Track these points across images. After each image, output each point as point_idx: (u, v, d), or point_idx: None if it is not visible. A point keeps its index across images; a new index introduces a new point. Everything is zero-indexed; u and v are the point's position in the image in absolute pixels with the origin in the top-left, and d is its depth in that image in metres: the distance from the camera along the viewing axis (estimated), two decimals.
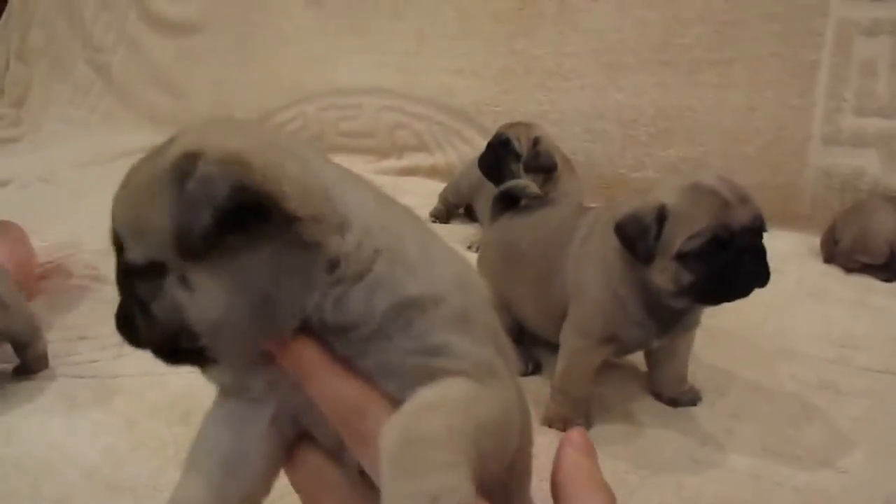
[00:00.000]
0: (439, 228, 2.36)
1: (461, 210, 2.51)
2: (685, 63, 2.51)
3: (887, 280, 1.95)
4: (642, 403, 1.42)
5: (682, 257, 1.15)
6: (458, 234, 2.35)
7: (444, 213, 2.51)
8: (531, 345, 1.55)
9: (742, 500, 1.13)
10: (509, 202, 1.60)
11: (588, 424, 1.33)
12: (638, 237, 1.17)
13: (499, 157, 2.15)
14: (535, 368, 1.53)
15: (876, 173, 2.23)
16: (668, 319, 1.26)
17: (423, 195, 2.64)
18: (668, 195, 1.17)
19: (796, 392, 1.44)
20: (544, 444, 1.25)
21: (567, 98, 2.73)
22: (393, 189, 2.86)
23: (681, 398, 1.41)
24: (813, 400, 1.41)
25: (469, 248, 2.20)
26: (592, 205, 1.68)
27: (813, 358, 1.56)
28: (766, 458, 1.23)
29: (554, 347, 1.39)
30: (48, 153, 3.52)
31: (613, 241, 1.23)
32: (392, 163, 3.08)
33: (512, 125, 2.21)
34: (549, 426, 1.33)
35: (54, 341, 1.60)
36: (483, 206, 2.38)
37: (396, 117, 3.08)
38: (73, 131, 3.70)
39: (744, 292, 1.19)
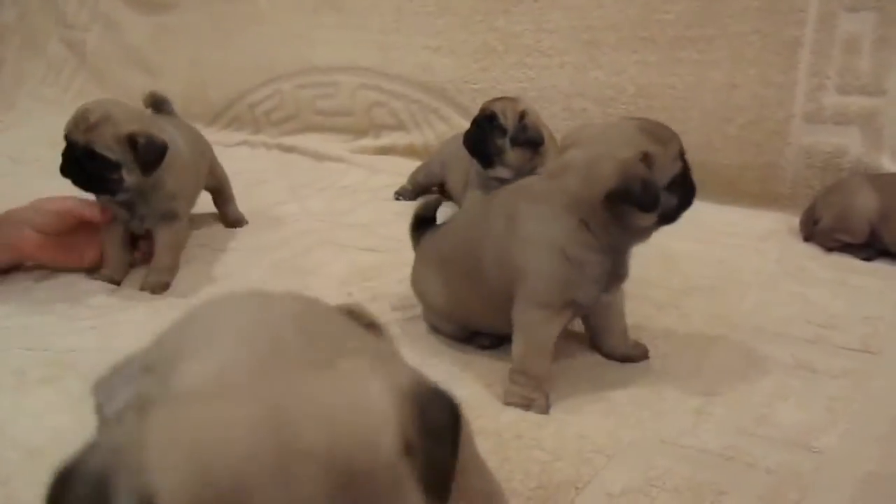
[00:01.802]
0: (405, 206, 2.32)
1: (434, 190, 2.46)
2: (666, 40, 2.46)
3: (867, 259, 1.92)
4: (608, 380, 1.37)
5: (670, 186, 1.24)
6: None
7: (411, 193, 2.46)
8: None
9: (712, 481, 1.09)
10: (425, 223, 1.57)
11: (548, 404, 1.29)
12: (644, 190, 1.20)
13: (485, 132, 2.10)
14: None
15: (858, 152, 2.19)
16: (615, 270, 1.31)
17: (399, 174, 2.59)
18: (627, 145, 1.22)
19: (771, 371, 1.40)
20: (507, 422, 1.23)
21: (546, 76, 2.68)
22: (369, 168, 2.81)
23: (633, 353, 1.43)
24: (788, 379, 1.37)
25: None
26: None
27: (790, 337, 1.52)
28: (738, 439, 1.19)
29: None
30: (20, 132, 3.44)
31: (554, 215, 1.26)
32: (369, 142, 3.02)
33: (497, 99, 2.15)
34: (512, 405, 1.29)
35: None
36: (455, 185, 2.33)
37: (374, 95, 3.02)
38: (47, 110, 3.60)
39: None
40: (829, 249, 1.97)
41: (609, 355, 1.44)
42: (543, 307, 1.29)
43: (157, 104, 2.07)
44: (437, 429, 0.48)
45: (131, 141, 1.65)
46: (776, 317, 1.61)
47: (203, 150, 2.12)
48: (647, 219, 1.25)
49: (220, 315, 0.62)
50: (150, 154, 1.68)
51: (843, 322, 1.58)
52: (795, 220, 2.13)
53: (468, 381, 1.37)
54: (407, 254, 1.59)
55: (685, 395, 1.32)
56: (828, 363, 1.42)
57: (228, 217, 2.22)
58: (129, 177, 1.68)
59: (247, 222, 2.23)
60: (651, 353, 1.44)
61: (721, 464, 1.13)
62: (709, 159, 2.31)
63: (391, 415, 0.46)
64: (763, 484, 1.09)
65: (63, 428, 1.21)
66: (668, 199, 1.24)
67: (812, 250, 1.99)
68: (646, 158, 1.20)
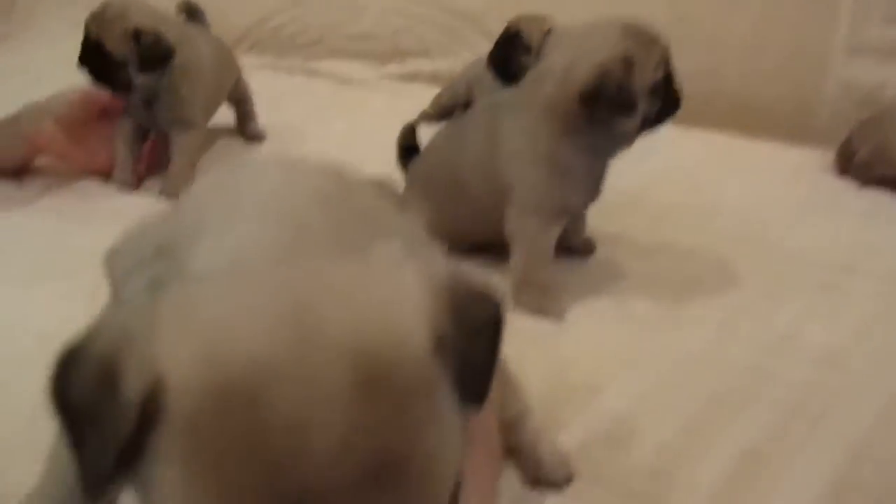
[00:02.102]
0: (428, 129, 2.27)
1: (458, 112, 2.40)
2: None
3: None
4: (629, 294, 1.34)
5: (654, 90, 1.22)
6: None
7: (433, 117, 2.40)
8: None
9: (735, 390, 1.06)
10: (410, 152, 1.58)
11: (563, 308, 1.28)
12: (619, 92, 1.18)
13: (509, 50, 2.04)
14: None
15: None
16: (599, 176, 1.31)
17: (422, 101, 2.53)
18: (606, 48, 1.20)
19: (799, 293, 1.36)
20: (519, 328, 1.20)
21: (577, 4, 2.58)
22: (393, 95, 2.76)
23: (583, 247, 1.47)
24: (816, 302, 1.33)
25: None
26: None
27: (819, 263, 1.47)
28: (763, 354, 1.16)
29: None
30: (39, 52, 3.41)
31: (535, 124, 1.26)
32: (394, 68, 2.96)
33: (523, 17, 2.09)
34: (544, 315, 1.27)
35: None
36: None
37: (399, 20, 2.95)
38: (66, 32, 3.56)
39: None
40: (865, 183, 1.91)
41: (568, 249, 1.43)
42: (539, 214, 1.28)
43: (190, 12, 2.03)
44: (475, 326, 0.44)
45: (136, 36, 1.63)
46: (805, 244, 1.56)
47: (229, 65, 2.09)
48: (627, 123, 1.22)
49: (240, 188, 0.58)
50: (151, 52, 1.65)
51: (876, 251, 1.53)
52: (831, 156, 2.05)
53: None
54: None
55: (709, 311, 1.28)
56: (858, 287, 1.38)
57: (248, 132, 2.18)
58: (138, 76, 1.66)
59: (265, 138, 2.19)
60: (676, 273, 1.41)
61: (743, 375, 1.10)
62: (742, 92, 2.24)
63: (425, 308, 0.42)
64: (787, 397, 1.06)
65: (78, 316, 1.20)
66: (649, 104, 1.22)
67: (846, 184, 1.92)
68: (625, 61, 1.18)
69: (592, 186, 1.30)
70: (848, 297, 1.35)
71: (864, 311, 1.30)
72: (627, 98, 1.18)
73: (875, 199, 1.82)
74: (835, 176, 1.98)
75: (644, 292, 1.34)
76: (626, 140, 1.28)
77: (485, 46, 2.74)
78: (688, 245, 1.52)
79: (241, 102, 2.18)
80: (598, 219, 1.46)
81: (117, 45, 1.63)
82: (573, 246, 1.45)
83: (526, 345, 1.14)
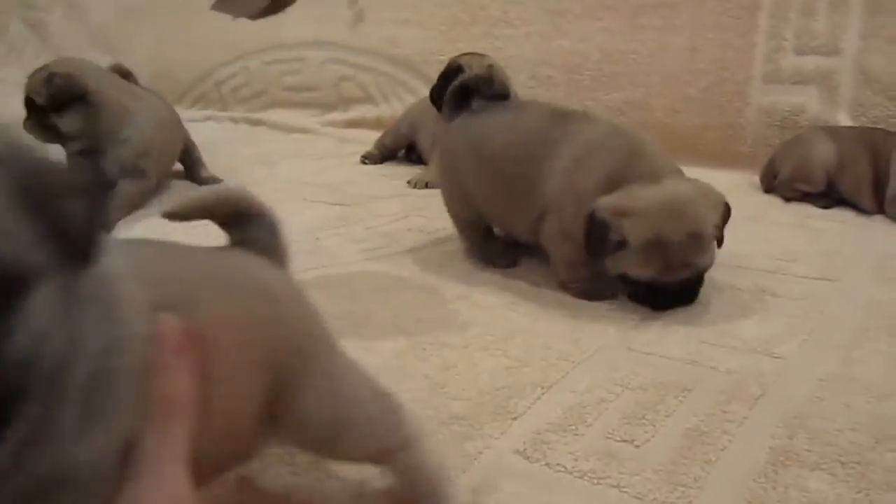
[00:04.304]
0: (373, 169, 2.34)
1: (400, 153, 2.47)
2: (629, 7, 2.51)
3: (826, 207, 1.96)
4: (573, 302, 1.40)
5: (623, 279, 1.33)
6: (398, 173, 2.32)
7: (377, 157, 2.47)
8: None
9: (676, 381, 1.11)
10: (465, 97, 1.60)
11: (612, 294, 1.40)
12: (597, 240, 1.30)
13: (449, 85, 2.11)
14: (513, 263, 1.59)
15: (815, 110, 2.25)
16: None
17: (368, 144, 2.59)
18: (636, 229, 1.27)
19: (733, 296, 1.43)
20: (473, 335, 1.24)
21: (513, 45, 2.71)
22: (338, 138, 2.82)
23: None
24: (750, 302, 1.40)
25: (408, 183, 2.16)
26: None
27: (751, 269, 1.55)
28: (701, 347, 1.22)
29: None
30: None
31: (585, 172, 1.36)
32: (337, 115, 3.03)
33: (464, 54, 2.18)
34: (590, 300, 1.40)
35: None
36: (424, 143, 2.35)
37: (341, 69, 3.03)
38: (6, 90, 3.56)
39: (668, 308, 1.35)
40: (789, 200, 2.02)
41: None
42: (570, 241, 1.38)
43: (123, 76, 2.07)
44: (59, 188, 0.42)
45: (49, 79, 1.67)
46: (737, 252, 1.63)
47: (178, 121, 2.15)
48: (607, 265, 1.35)
49: None
50: (59, 91, 1.68)
51: (802, 256, 1.62)
52: (756, 178, 2.17)
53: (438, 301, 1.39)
54: (375, 207, 1.59)
55: (651, 314, 1.34)
56: (788, 289, 1.46)
57: (200, 177, 2.20)
58: (62, 122, 1.69)
59: (221, 180, 2.21)
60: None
61: (684, 367, 1.15)
62: (671, 121, 2.36)
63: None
64: (725, 382, 1.11)
65: None
66: (623, 282, 1.36)
67: (772, 200, 2.03)
68: (622, 241, 1.28)
69: None
70: (779, 297, 1.43)
71: (793, 308, 1.37)
72: (595, 250, 1.33)
73: (800, 212, 1.93)
74: (761, 194, 2.09)
75: (588, 303, 1.41)
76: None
77: (425, 92, 2.82)
78: None
79: (189, 152, 2.20)
80: None
81: (37, 94, 1.68)
82: None
83: (476, 352, 1.19)
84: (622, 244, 1.27)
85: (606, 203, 1.29)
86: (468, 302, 1.40)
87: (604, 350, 1.20)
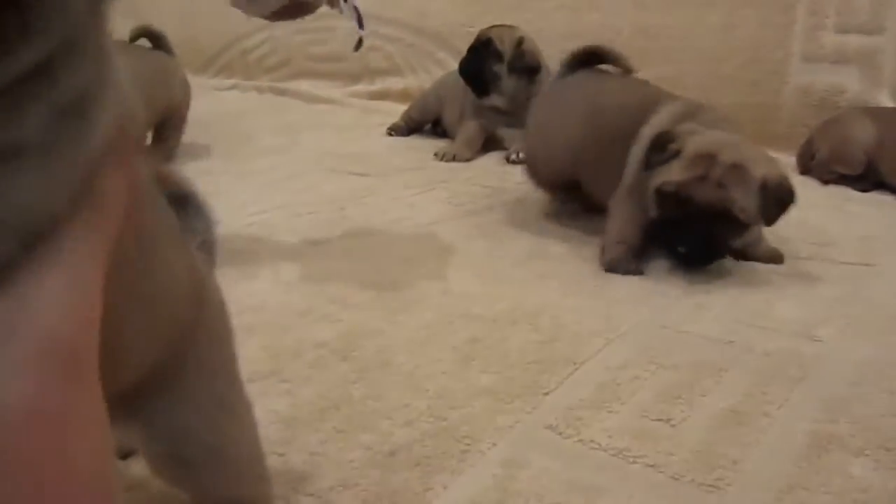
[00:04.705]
0: (398, 141, 2.31)
1: (427, 127, 2.43)
2: None
3: (864, 190, 1.91)
4: (605, 279, 1.37)
5: (659, 193, 1.34)
6: (424, 145, 2.28)
7: (404, 129, 2.43)
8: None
9: (712, 360, 1.08)
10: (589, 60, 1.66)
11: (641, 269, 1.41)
12: (656, 149, 1.35)
13: (481, 58, 2.07)
14: None
15: (856, 90, 2.18)
16: None
17: (393, 116, 2.56)
18: (695, 142, 1.32)
19: (770, 278, 1.39)
20: (502, 309, 1.21)
21: (543, 18, 2.65)
22: (363, 109, 2.79)
23: (774, 255, 1.50)
24: (788, 285, 1.37)
25: (435, 155, 2.13)
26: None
27: (788, 254, 1.50)
28: (737, 328, 1.18)
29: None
30: None
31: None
32: (363, 87, 3.00)
33: (494, 27, 2.13)
34: (612, 271, 1.40)
35: None
36: (451, 118, 2.31)
37: (369, 40, 2.98)
38: None
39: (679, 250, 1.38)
40: (826, 182, 1.97)
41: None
42: (635, 201, 1.42)
43: (152, 38, 2.06)
44: None
45: None
46: (774, 236, 1.59)
47: (163, 81, 2.04)
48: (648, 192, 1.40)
49: None
50: None
51: (840, 241, 1.57)
52: (792, 160, 2.11)
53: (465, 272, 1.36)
54: (401, 179, 1.56)
55: (685, 293, 1.31)
56: (825, 272, 1.42)
57: (165, 149, 2.08)
58: None
59: (174, 158, 2.09)
60: (653, 264, 1.44)
61: (720, 347, 1.12)
62: (704, 99, 2.29)
63: None
64: (763, 364, 1.07)
65: None
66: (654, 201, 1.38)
67: (809, 182, 1.98)
68: (677, 151, 1.34)
69: None
70: (816, 279, 1.39)
71: (831, 291, 1.33)
72: (651, 161, 1.38)
73: (837, 195, 1.88)
74: (797, 175, 2.03)
75: (620, 278, 1.38)
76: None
77: (453, 64, 2.79)
78: None
79: (168, 120, 2.09)
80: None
81: None
82: (758, 257, 1.48)
83: (506, 326, 1.16)
84: (676, 154, 1.32)
85: (680, 127, 1.38)
86: (495, 275, 1.37)
87: (637, 327, 1.17)
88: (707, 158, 1.30)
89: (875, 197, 1.88)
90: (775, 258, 1.47)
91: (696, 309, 1.25)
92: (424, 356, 1.07)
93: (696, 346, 1.12)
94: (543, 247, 1.51)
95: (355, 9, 1.41)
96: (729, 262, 1.44)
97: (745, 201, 1.29)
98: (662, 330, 1.17)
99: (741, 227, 1.33)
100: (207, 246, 0.70)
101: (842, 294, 1.32)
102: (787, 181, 1.34)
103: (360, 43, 1.56)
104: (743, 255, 1.46)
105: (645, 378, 1.02)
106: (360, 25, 1.47)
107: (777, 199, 1.32)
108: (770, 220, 1.34)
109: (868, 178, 1.92)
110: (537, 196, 1.75)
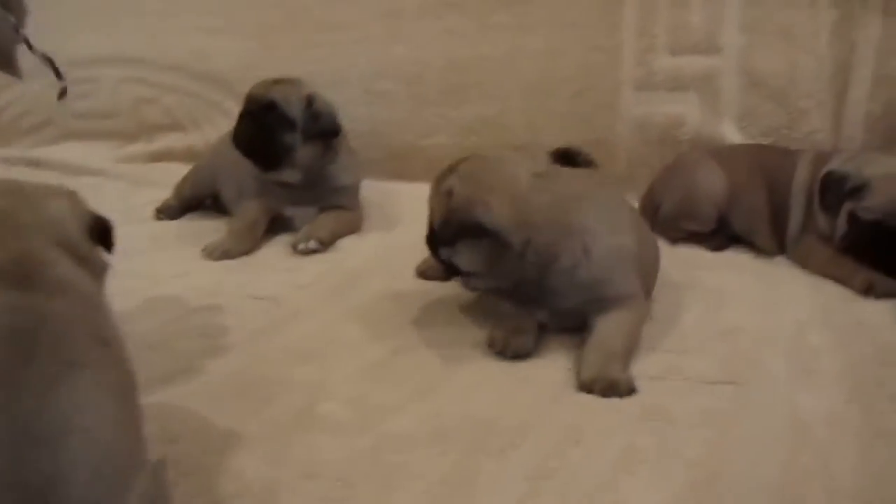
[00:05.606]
0: (167, 229, 1.86)
1: (207, 203, 1.98)
2: (476, 4, 2.09)
3: (717, 249, 1.62)
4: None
5: (852, 220, 1.43)
6: (199, 232, 1.82)
7: (176, 210, 1.96)
8: None
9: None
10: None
11: None
12: (833, 191, 1.46)
13: (264, 127, 1.65)
14: None
15: (696, 121, 1.91)
16: None
17: (170, 187, 2.07)
18: (878, 166, 1.44)
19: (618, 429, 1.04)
20: None
21: (341, 55, 2.25)
22: (134, 184, 2.28)
23: None
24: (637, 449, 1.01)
25: (203, 251, 1.67)
26: None
27: (636, 375, 1.17)
28: None
29: None
30: None
31: None
32: (141, 147, 2.50)
33: (274, 83, 1.71)
34: None
35: None
36: (229, 194, 1.87)
37: (141, 90, 2.49)
38: None
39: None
40: (675, 241, 1.66)
41: None
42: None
43: None
44: None
45: None
46: None
47: None
48: (825, 224, 1.52)
49: None
50: None
51: (697, 341, 1.25)
52: (635, 203, 1.80)
53: None
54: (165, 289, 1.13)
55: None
56: (684, 406, 1.08)
57: None
58: None
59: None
60: None
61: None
62: (531, 139, 1.97)
63: None
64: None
65: None
66: (845, 226, 1.47)
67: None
68: (863, 184, 1.44)
69: None
70: (673, 425, 1.04)
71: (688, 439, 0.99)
72: (832, 201, 1.50)
73: (687, 260, 1.57)
74: None
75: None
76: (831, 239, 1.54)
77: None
78: None
79: None
80: None
81: None
82: None
83: None
84: (859, 188, 1.42)
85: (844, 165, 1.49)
86: None
87: None
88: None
89: (731, 258, 1.60)
90: None
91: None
92: None
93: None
94: None
95: (48, 59, 1.34)
96: None
97: None
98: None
99: None
100: None
101: (701, 445, 0.98)
102: None
103: (63, 92, 1.43)
104: None
105: None
106: (59, 76, 1.38)
107: None
108: None
109: (721, 232, 1.63)
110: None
